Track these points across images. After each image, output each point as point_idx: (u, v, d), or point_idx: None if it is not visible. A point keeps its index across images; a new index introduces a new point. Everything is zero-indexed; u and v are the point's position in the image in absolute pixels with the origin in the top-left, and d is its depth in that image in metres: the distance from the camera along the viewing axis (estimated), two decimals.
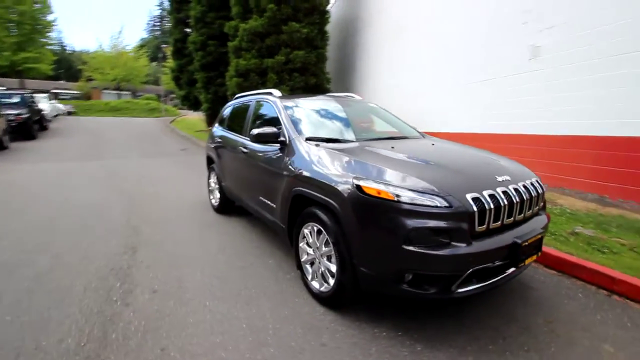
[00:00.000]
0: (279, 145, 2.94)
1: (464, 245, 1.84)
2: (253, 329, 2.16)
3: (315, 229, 2.41)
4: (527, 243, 1.97)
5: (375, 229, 1.93)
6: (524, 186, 2.17)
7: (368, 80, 11.32)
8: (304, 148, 2.65)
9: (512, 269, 2.07)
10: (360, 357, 1.90)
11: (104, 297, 2.53)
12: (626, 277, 2.52)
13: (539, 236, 2.12)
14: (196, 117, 23.04)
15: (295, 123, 2.96)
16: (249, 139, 3.52)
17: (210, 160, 4.92)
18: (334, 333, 2.11)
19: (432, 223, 1.83)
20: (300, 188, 2.49)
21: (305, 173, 2.45)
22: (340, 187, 2.10)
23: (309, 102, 3.40)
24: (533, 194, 2.19)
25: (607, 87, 4.27)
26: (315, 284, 2.47)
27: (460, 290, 1.89)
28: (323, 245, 2.34)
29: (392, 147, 2.57)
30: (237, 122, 4.13)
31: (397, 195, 1.88)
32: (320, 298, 2.40)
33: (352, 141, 2.80)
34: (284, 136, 2.87)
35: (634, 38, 3.97)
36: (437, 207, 1.84)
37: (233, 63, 11.94)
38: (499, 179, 2.13)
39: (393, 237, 1.87)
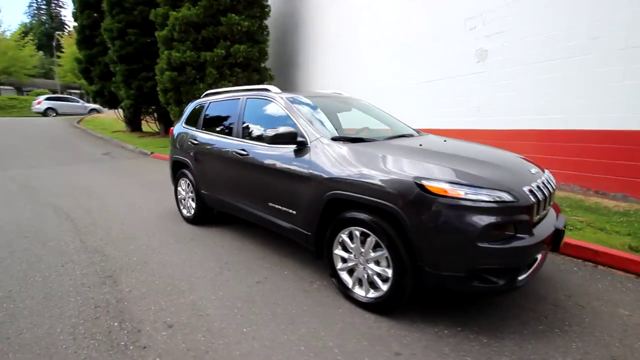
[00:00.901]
0: (294, 146, 2.72)
1: (527, 236, 1.93)
2: (315, 351, 1.95)
3: (358, 233, 2.29)
4: (564, 228, 2.18)
5: (445, 228, 1.90)
6: (546, 178, 2.38)
7: (315, 78, 11.26)
8: (333, 149, 2.48)
9: (540, 255, 2.24)
10: (438, 359, 1.87)
11: (108, 345, 2.02)
12: (606, 249, 2.97)
13: (566, 221, 2.35)
14: (111, 116, 20.22)
15: (311, 122, 2.76)
16: (248, 140, 3.18)
17: (178, 166, 4.34)
18: (400, 339, 2.03)
19: (502, 218, 1.88)
20: (337, 191, 2.32)
21: (344, 175, 2.30)
22: (400, 188, 2.02)
23: (312, 99, 3.20)
24: (553, 185, 2.42)
25: (543, 88, 4.97)
26: (359, 292, 2.35)
27: (520, 279, 1.99)
28: (370, 250, 2.24)
29: (421, 145, 2.57)
30: (219, 122, 3.69)
31: (467, 193, 1.89)
32: (368, 305, 2.29)
33: (374, 140, 2.72)
34: (303, 136, 2.66)
35: (562, 47, 4.67)
36: (504, 202, 1.89)
37: (164, 55, 10.75)
38: (532, 171, 2.30)
39: (466, 235, 1.86)
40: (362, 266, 2.32)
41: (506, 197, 1.90)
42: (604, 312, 2.30)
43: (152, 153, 11.17)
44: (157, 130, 16.47)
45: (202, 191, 3.86)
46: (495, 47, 5.54)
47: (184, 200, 4.30)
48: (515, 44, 5.21)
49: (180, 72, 10.76)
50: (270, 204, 2.93)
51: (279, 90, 3.24)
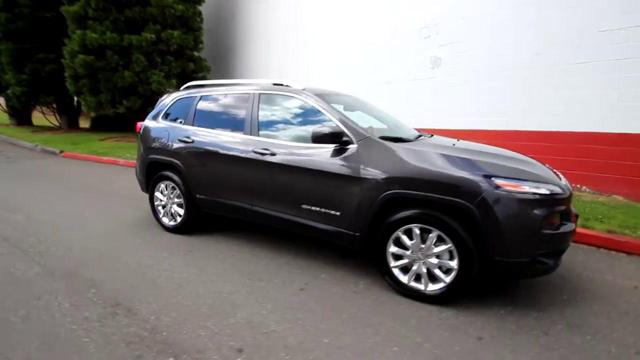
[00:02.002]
0: (333, 145, 2.64)
1: (569, 222, 2.28)
2: (410, 349, 1.96)
3: (417, 230, 2.36)
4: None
5: (514, 220, 2.10)
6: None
7: (256, 74, 10.75)
8: (386, 148, 2.49)
9: None
10: (523, 336, 2.07)
11: None
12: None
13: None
14: None
15: (352, 121, 2.70)
16: (270, 139, 2.94)
17: (155, 168, 3.75)
18: (472, 325, 2.18)
19: (555, 208, 2.17)
20: (399, 191, 2.35)
21: (408, 175, 2.33)
22: (472, 186, 2.15)
23: (333, 97, 3.12)
24: None
25: (492, 94, 5.78)
26: (418, 286, 2.42)
27: (560, 259, 2.34)
28: (432, 245, 2.33)
29: (454, 144, 2.76)
30: (222, 118, 3.32)
31: (530, 188, 2.13)
32: (429, 298, 2.38)
33: (409, 140, 2.81)
34: (347, 135, 2.59)
35: (509, 60, 5.51)
36: (556, 194, 2.19)
37: (77, 35, 9.04)
38: (547, 167, 2.70)
39: (532, 225, 2.10)
40: (420, 261, 2.40)
41: (557, 190, 2.21)
42: (597, 280, 2.85)
43: (61, 152, 9.29)
44: (58, 124, 13.73)
45: (198, 195, 3.42)
46: (448, 56, 6.20)
47: (164, 207, 3.75)
48: (467, 55, 5.92)
49: (98, 56, 9.20)
50: (305, 207, 2.78)
51: (300, 86, 3.07)
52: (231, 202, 3.23)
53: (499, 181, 2.14)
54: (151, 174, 3.80)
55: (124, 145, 10.35)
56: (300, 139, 2.84)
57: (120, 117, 11.36)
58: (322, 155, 2.68)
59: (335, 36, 8.26)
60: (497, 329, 2.15)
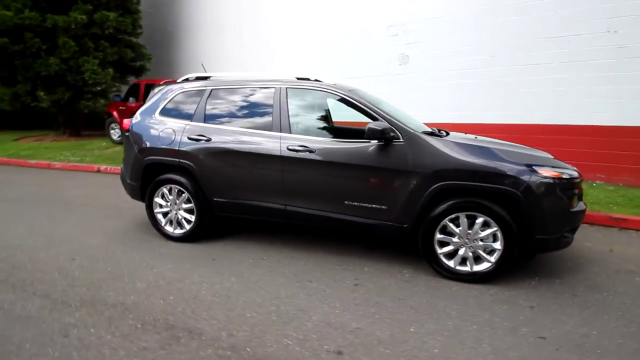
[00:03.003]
0: (377, 141, 2.69)
1: (582, 202, 2.71)
2: (485, 326, 2.14)
3: (464, 217, 2.57)
4: None
5: (552, 202, 2.44)
6: None
7: (204, 65, 9.99)
8: (434, 143, 2.64)
9: None
10: (561, 300, 2.41)
11: None
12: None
13: None
14: None
15: (396, 117, 2.77)
16: (306, 136, 2.86)
17: (154, 171, 3.34)
18: (519, 296, 2.46)
19: (576, 190, 2.57)
20: (450, 182, 2.52)
21: (459, 167, 2.52)
22: (518, 175, 2.42)
23: (360, 92, 3.12)
24: None
25: (457, 91, 6.36)
26: (464, 268, 2.65)
27: None
28: (479, 230, 2.56)
29: (476, 137, 3.04)
30: (243, 115, 3.10)
31: (562, 173, 2.48)
32: (475, 279, 2.62)
33: (441, 135, 2.98)
34: (394, 131, 2.66)
35: (471, 60, 6.12)
36: (575, 178, 2.58)
37: None
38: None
39: (565, 205, 2.47)
40: (467, 246, 2.62)
41: (575, 174, 2.61)
42: (581, 248, 3.44)
43: None
44: None
45: (216, 198, 3.16)
46: (415, 54, 6.62)
47: (166, 214, 3.37)
48: (433, 53, 6.40)
49: (15, 39, 7.63)
50: (348, 202, 2.79)
51: (330, 81, 3.01)
52: (259, 203, 3.06)
53: (538, 169, 2.45)
54: (149, 178, 3.37)
55: (50, 145, 8.82)
56: (337, 134, 2.83)
57: (30, 111, 9.55)
58: (367, 151, 2.72)
59: (299, 31, 8.16)
60: (539, 298, 2.48)
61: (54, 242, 3.39)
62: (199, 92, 3.27)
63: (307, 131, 2.93)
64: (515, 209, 2.48)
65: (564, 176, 2.49)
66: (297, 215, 2.99)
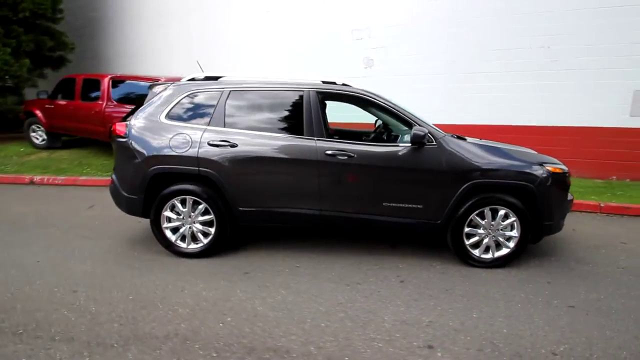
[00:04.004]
0: (410, 144, 2.85)
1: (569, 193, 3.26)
2: (528, 303, 2.46)
3: (488, 210, 2.88)
4: None
5: (558, 192, 2.91)
6: None
7: (141, 59, 9.05)
8: (463, 145, 2.89)
9: None
10: (568, 272, 2.87)
11: None
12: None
13: None
14: None
15: (424, 121, 2.94)
16: (343, 140, 2.86)
17: (162, 182, 2.97)
18: (534, 274, 2.87)
19: (569, 182, 3.09)
20: (481, 180, 2.81)
21: (488, 166, 2.82)
22: (535, 171, 2.82)
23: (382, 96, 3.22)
24: None
25: (416, 94, 6.90)
26: (486, 256, 2.98)
27: None
28: (501, 221, 2.91)
29: (481, 139, 3.40)
30: (270, 119, 2.94)
31: (562, 169, 2.95)
32: (497, 264, 2.96)
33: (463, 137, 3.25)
34: (430, 135, 2.84)
35: (430, 66, 6.70)
36: (568, 171, 3.09)
37: None
38: None
39: (566, 194, 2.96)
40: (490, 236, 2.95)
41: (567, 168, 3.13)
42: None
43: None
44: None
45: (241, 208, 2.95)
46: (380, 58, 6.98)
47: (178, 229, 3.04)
48: (397, 58, 6.83)
49: None
50: (386, 204, 2.90)
51: (357, 86, 3.04)
52: (292, 210, 2.97)
53: (547, 166, 2.90)
54: (155, 190, 2.99)
55: None
56: (372, 138, 2.91)
57: None
58: (403, 154, 2.86)
59: (257, 29, 7.89)
60: (548, 274, 2.94)
61: (34, 274, 2.78)
62: (215, 94, 3.00)
63: (341, 135, 2.94)
64: (530, 200, 2.89)
65: (563, 171, 2.99)
66: (333, 220, 2.99)
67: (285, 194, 2.97)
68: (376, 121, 4.37)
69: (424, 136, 2.74)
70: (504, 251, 2.99)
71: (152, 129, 2.98)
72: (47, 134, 7.16)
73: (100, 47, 9.80)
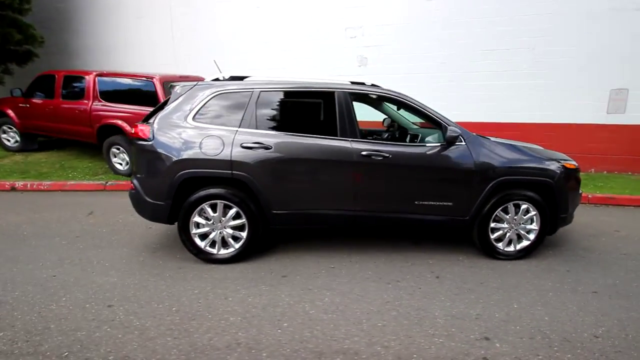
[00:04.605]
0: (439, 144, 2.96)
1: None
2: (557, 292, 2.66)
3: (512, 205, 3.05)
4: None
5: (572, 187, 3.13)
6: None
7: (119, 56, 8.49)
8: (487, 143, 3.03)
9: None
10: (583, 261, 3.11)
11: None
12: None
13: None
14: None
15: (448, 119, 3.04)
16: (377, 141, 2.91)
17: (199, 185, 2.88)
18: (552, 263, 3.09)
19: (579, 176, 3.33)
20: (507, 177, 2.97)
21: (513, 165, 2.98)
22: (554, 168, 3.02)
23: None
24: None
25: (411, 92, 7.07)
26: (509, 249, 3.15)
27: None
28: (523, 215, 3.08)
29: (499, 137, 3.57)
30: (301, 120, 2.91)
31: (575, 165, 3.18)
32: (519, 255, 3.15)
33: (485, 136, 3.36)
34: (455, 133, 2.93)
35: (422, 65, 6.88)
36: (578, 167, 3.33)
37: None
38: None
39: (578, 189, 3.19)
40: (513, 229, 3.12)
41: (576, 164, 3.37)
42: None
43: None
44: None
45: (275, 211, 2.90)
46: (373, 56, 7.07)
47: (209, 234, 2.94)
48: (391, 57, 6.95)
49: None
50: (419, 202, 2.98)
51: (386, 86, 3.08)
52: (326, 211, 2.96)
53: (565, 162, 3.11)
54: (183, 196, 2.86)
55: None
56: (404, 138, 2.97)
57: None
58: (435, 153, 2.96)
59: (247, 24, 7.69)
60: (566, 262, 3.17)
61: (55, 290, 2.58)
62: (245, 95, 2.92)
63: (375, 135, 2.98)
64: (549, 195, 3.09)
65: (575, 166, 3.23)
66: (366, 219, 3.03)
67: (321, 196, 2.96)
68: (384, 120, 4.47)
69: (457, 137, 2.85)
70: (525, 243, 3.18)
71: (179, 132, 2.84)
72: (20, 135, 6.57)
73: (71, 40, 9.08)
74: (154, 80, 5.25)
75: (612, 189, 5.28)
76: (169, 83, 5.40)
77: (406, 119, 4.17)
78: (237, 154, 2.81)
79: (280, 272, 2.91)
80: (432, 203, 3.01)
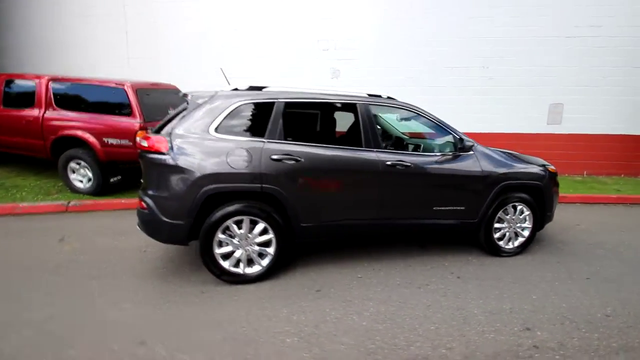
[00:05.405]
0: (453, 152, 3.20)
1: None
2: (572, 285, 3.01)
3: (511, 205, 3.39)
4: None
5: (554, 188, 3.58)
6: None
7: (64, 57, 7.58)
8: (490, 151, 3.33)
9: None
10: (584, 256, 3.54)
11: None
12: None
13: None
14: None
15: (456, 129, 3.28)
16: (398, 150, 3.06)
17: (224, 201, 2.69)
18: (550, 258, 3.48)
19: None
20: (509, 181, 3.29)
21: (512, 170, 3.31)
22: (543, 172, 3.43)
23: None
24: None
25: None
26: (508, 246, 3.49)
27: None
28: (519, 216, 3.44)
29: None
30: (325, 131, 2.85)
31: (554, 169, 3.65)
32: (515, 252, 3.49)
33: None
34: (470, 142, 3.20)
35: (393, 79, 7.29)
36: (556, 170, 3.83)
37: None
38: None
39: (557, 189, 3.66)
40: (511, 228, 3.46)
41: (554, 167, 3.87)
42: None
43: None
44: None
45: (304, 224, 2.83)
46: (346, 69, 7.30)
47: (232, 253, 2.75)
48: (362, 70, 7.25)
49: None
50: (436, 208, 3.15)
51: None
52: (353, 221, 2.98)
53: (549, 167, 3.56)
54: (205, 213, 2.64)
55: None
56: (421, 148, 3.14)
57: None
58: (450, 161, 3.18)
59: (218, 31, 7.40)
60: (553, 254, 3.59)
61: (62, 331, 2.18)
62: (268, 105, 2.82)
63: (395, 146, 3.09)
64: (538, 196, 3.51)
65: (554, 170, 3.71)
66: (390, 227, 3.12)
67: (348, 206, 2.98)
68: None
69: (472, 146, 3.11)
70: (520, 240, 3.55)
71: (202, 144, 2.63)
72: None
73: (2, 37, 7.81)
74: (126, 87, 4.76)
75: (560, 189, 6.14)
76: (144, 91, 5.01)
77: (397, 129, 4.44)
78: (267, 166, 2.70)
79: (311, 286, 2.84)
80: (448, 208, 3.22)
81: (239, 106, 2.80)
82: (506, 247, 3.50)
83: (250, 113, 2.81)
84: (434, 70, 7.10)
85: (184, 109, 2.78)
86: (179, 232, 2.67)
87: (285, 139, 2.83)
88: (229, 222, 2.71)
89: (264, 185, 2.71)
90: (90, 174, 4.97)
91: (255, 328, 2.28)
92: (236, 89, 2.93)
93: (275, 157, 2.74)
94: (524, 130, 7.11)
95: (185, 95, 2.89)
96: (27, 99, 4.99)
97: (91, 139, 4.80)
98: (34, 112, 4.94)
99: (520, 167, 3.43)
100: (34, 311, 2.40)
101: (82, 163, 4.94)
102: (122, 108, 4.82)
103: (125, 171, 5.36)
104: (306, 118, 2.97)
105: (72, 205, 4.63)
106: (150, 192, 2.70)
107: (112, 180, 5.07)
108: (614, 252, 3.68)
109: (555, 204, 3.73)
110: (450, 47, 7.01)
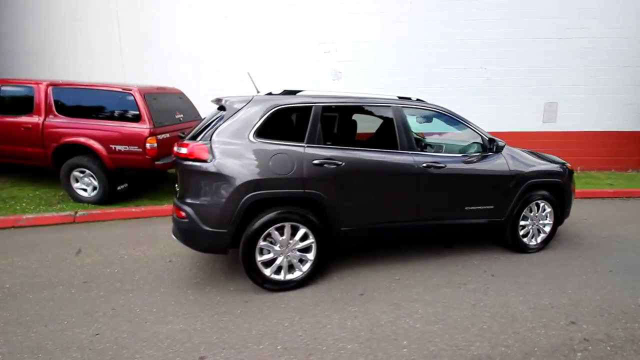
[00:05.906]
0: (482, 153, 3.28)
1: None
2: (589, 279, 3.12)
3: (535, 204, 3.49)
4: None
5: (571, 184, 3.71)
6: None
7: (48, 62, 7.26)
8: (515, 151, 3.42)
9: None
10: (595, 251, 3.68)
11: None
12: None
13: None
14: None
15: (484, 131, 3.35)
16: (432, 152, 3.06)
17: (266, 207, 2.64)
18: (567, 252, 3.61)
19: None
20: (534, 179, 3.40)
21: (536, 168, 3.42)
22: (562, 170, 3.55)
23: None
24: None
25: None
26: (532, 242, 3.59)
27: None
28: (541, 212, 3.55)
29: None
30: (358, 134, 2.83)
31: (570, 166, 3.79)
32: (539, 248, 3.61)
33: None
34: (502, 143, 3.28)
35: (392, 80, 7.37)
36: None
37: None
38: None
39: (574, 186, 3.79)
40: (534, 225, 3.57)
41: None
42: None
43: None
44: None
45: (344, 228, 2.81)
46: (348, 71, 7.32)
47: (274, 260, 2.70)
48: (363, 72, 7.30)
49: None
50: (468, 207, 3.21)
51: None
52: (392, 224, 3.00)
53: (567, 165, 3.69)
54: (247, 220, 2.58)
55: None
56: (454, 149, 3.19)
57: None
58: (481, 162, 3.26)
59: (214, 34, 7.26)
60: (572, 249, 3.73)
61: (115, 350, 2.07)
62: (306, 109, 2.79)
63: (430, 147, 3.12)
64: (558, 193, 3.63)
65: (570, 167, 3.85)
66: (427, 228, 3.15)
67: (387, 209, 2.99)
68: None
69: (503, 146, 3.18)
70: (542, 236, 3.67)
71: (242, 151, 2.57)
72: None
73: None
74: (133, 92, 4.59)
75: None
76: (151, 95, 4.85)
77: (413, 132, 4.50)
78: (309, 171, 2.67)
79: (354, 290, 2.83)
80: (479, 207, 3.29)
81: (277, 111, 2.75)
82: (530, 243, 3.61)
83: (288, 117, 2.78)
84: (434, 71, 7.24)
85: (220, 116, 2.70)
86: (221, 241, 2.60)
87: (325, 143, 2.80)
88: (271, 229, 2.66)
89: (306, 190, 2.68)
90: (95, 183, 4.76)
91: (312, 336, 2.25)
92: (270, 93, 2.88)
93: (316, 161, 2.70)
94: (521, 128, 7.35)
95: (218, 100, 2.81)
96: (25, 105, 4.73)
97: (97, 146, 4.60)
98: (34, 119, 4.68)
99: (542, 166, 3.54)
100: (75, 330, 2.27)
101: (87, 171, 4.73)
102: (129, 113, 4.66)
103: (132, 178, 5.19)
104: (341, 121, 2.96)
105: (80, 215, 4.42)
106: (189, 201, 2.62)
107: (119, 188, 4.88)
108: (628, 243, 3.87)
109: (572, 200, 3.87)
110: (449, 49, 7.16)
